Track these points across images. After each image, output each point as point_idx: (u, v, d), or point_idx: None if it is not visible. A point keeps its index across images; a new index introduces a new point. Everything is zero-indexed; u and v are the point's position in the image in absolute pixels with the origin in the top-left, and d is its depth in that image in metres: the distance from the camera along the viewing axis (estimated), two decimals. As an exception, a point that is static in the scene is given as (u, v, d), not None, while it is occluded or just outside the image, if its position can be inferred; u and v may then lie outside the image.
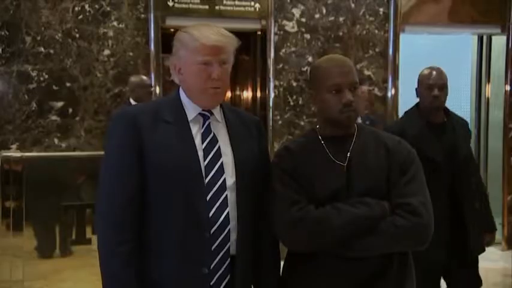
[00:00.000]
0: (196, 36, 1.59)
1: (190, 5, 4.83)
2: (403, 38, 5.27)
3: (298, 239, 1.62)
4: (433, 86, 2.66)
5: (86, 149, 4.61)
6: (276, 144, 4.89)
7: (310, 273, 1.65)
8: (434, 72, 2.71)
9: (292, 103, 5.10)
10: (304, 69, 5.03)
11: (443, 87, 2.67)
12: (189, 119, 1.63)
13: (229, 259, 1.60)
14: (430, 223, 1.62)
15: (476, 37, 5.87)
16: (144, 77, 4.57)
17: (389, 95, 5.25)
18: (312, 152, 1.71)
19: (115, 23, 4.72)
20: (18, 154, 4.27)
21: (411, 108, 2.82)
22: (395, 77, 5.24)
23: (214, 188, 1.58)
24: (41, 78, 4.58)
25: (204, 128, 1.63)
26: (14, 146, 4.51)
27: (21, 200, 3.96)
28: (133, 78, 4.55)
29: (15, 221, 3.98)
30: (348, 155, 1.68)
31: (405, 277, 1.69)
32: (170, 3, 4.78)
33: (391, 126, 2.84)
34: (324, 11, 5.13)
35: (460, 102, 6.05)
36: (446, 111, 2.76)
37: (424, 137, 2.62)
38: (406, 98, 5.68)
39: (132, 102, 4.43)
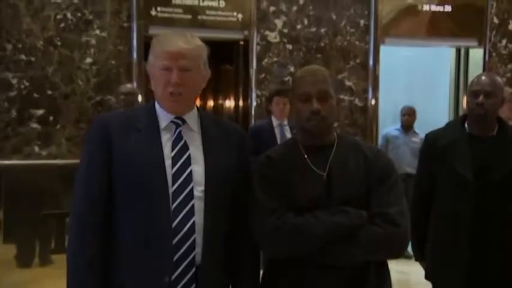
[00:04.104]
0: (160, 42, 1.62)
1: (173, 15, 4.85)
2: (383, 49, 5.35)
3: (278, 247, 1.63)
4: (478, 92, 2.31)
5: (67, 157, 4.57)
6: (258, 154, 4.91)
7: (290, 280, 1.67)
8: (482, 78, 2.37)
9: (274, 113, 5.13)
10: (286, 79, 5.08)
11: (491, 95, 2.30)
12: (161, 127, 1.63)
13: (194, 268, 1.58)
14: (407, 233, 1.65)
15: (454, 50, 5.99)
16: (128, 85, 4.55)
17: (369, 105, 5.32)
18: (292, 161, 1.73)
19: (97, 32, 4.71)
20: (-2, 162, 4.23)
21: (457, 117, 2.50)
22: (376, 88, 5.32)
23: (181, 197, 1.57)
24: (22, 86, 4.55)
25: (175, 136, 1.63)
26: (-7, 154, 4.46)
27: (-1, 208, 3.92)
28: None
29: (-6, 229, 3.94)
30: (328, 164, 1.71)
31: (383, 283, 1.71)
32: (153, 13, 4.80)
33: (429, 134, 2.56)
34: (306, 22, 5.19)
35: (438, 112, 6.16)
36: (502, 124, 2.39)
37: (455, 149, 2.35)
38: (386, 109, 5.79)
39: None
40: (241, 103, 5.46)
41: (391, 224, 1.61)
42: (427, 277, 2.55)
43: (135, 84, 4.74)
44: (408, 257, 3.12)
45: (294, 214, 1.63)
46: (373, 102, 5.32)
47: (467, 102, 2.41)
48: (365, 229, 1.60)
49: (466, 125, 2.43)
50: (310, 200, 1.65)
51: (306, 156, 1.72)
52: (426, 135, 2.59)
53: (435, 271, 2.49)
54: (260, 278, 1.78)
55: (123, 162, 1.56)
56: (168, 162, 1.58)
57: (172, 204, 1.56)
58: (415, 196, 2.55)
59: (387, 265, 1.75)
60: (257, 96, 5.09)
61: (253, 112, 5.09)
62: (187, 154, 1.61)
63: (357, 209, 1.63)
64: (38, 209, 4.12)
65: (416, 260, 2.64)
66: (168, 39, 1.62)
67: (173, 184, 1.57)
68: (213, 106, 6.64)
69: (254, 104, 5.08)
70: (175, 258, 1.55)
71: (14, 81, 4.53)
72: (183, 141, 1.63)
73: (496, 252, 2.32)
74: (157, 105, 1.67)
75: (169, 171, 1.57)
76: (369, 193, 1.67)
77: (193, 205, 1.57)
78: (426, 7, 5.44)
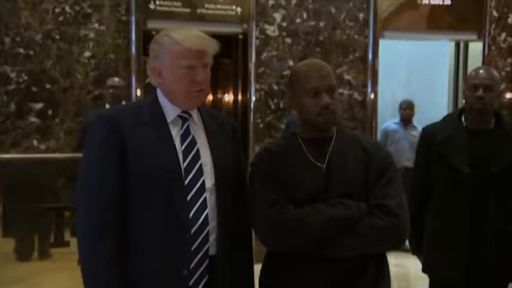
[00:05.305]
0: (180, 40, 1.59)
1: (172, 8, 4.83)
2: (382, 43, 5.34)
3: (278, 239, 1.64)
4: (477, 86, 2.32)
5: (66, 151, 4.57)
6: (257, 147, 4.91)
7: (290, 273, 1.67)
8: (481, 71, 2.37)
9: (273, 106, 5.13)
10: (285, 73, 5.07)
11: (490, 89, 2.31)
12: (168, 121, 1.64)
13: (208, 260, 1.61)
14: (407, 224, 1.66)
15: (453, 43, 5.98)
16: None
17: (368, 99, 5.32)
18: (291, 154, 1.73)
19: (96, 25, 4.70)
20: (-4, 156, 4.22)
21: (454, 111, 2.49)
22: (375, 82, 5.31)
23: (194, 190, 1.59)
24: (20, 80, 4.54)
25: (183, 130, 1.64)
26: (-8, 148, 4.45)
27: (-1, 202, 3.92)
28: None
29: (-7, 223, 3.94)
30: (327, 157, 1.71)
31: (382, 276, 1.72)
32: (152, 6, 4.78)
33: (426, 127, 2.56)
34: (305, 15, 5.18)
35: (437, 106, 6.16)
36: (498, 118, 2.40)
37: (452, 143, 2.36)
38: (385, 102, 5.80)
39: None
40: (240, 97, 5.45)
41: (390, 215, 1.62)
42: (424, 270, 2.55)
43: (133, 78, 4.73)
44: (406, 251, 3.13)
45: (294, 207, 1.63)
46: (372, 96, 5.31)
47: (465, 95, 2.40)
48: (365, 221, 1.61)
49: (463, 119, 2.44)
50: (309, 192, 1.66)
51: (305, 149, 1.73)
52: (423, 129, 2.59)
53: (432, 264, 2.50)
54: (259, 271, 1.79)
55: (137, 158, 1.55)
56: (180, 157, 1.60)
57: (187, 196, 1.58)
58: (413, 189, 2.55)
59: (386, 258, 1.75)
60: (256, 90, 5.08)
61: (252, 106, 5.08)
62: (196, 148, 1.63)
63: (356, 201, 1.64)
64: (37, 202, 4.11)
65: (413, 253, 2.65)
66: (186, 37, 1.60)
67: (186, 177, 1.59)
68: (212, 100, 6.63)
69: (253, 98, 5.07)
70: (192, 249, 1.57)
71: (13, 75, 4.52)
72: (191, 136, 1.64)
73: (493, 245, 2.33)
74: (162, 100, 1.66)
75: (182, 165, 1.59)
76: (367, 185, 1.68)
77: (205, 198, 1.60)
78: (425, 0, 5.42)
